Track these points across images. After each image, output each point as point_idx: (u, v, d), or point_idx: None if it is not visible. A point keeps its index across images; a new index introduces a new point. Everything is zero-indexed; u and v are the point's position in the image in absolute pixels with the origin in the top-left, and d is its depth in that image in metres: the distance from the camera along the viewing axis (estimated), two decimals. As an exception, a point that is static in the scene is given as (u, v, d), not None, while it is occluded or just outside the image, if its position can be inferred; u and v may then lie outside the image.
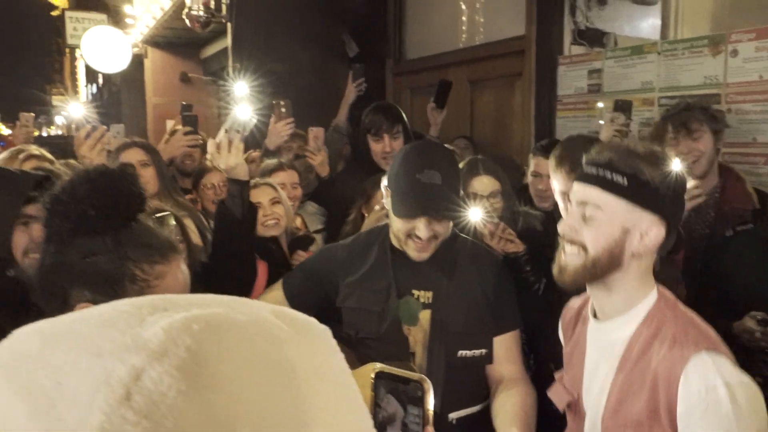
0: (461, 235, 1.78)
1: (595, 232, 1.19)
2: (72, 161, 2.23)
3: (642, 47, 3.12)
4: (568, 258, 1.23)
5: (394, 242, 1.71)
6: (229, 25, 4.72)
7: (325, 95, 3.75)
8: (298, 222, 2.83)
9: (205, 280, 1.76)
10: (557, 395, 1.38)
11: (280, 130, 2.92)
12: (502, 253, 1.94)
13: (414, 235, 1.61)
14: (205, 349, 0.34)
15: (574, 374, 1.35)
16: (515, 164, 3.68)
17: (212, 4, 4.54)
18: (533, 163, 2.52)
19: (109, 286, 1.01)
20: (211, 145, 1.82)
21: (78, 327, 0.36)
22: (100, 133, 1.94)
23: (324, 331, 0.42)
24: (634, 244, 1.18)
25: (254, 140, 2.97)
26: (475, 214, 1.88)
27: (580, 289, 1.33)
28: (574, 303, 1.46)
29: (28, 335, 0.37)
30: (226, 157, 1.80)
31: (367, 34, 4.79)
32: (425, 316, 1.66)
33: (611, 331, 1.25)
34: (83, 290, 1.01)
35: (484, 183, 2.23)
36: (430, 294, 1.66)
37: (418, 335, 1.65)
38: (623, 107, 2.59)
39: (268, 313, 0.40)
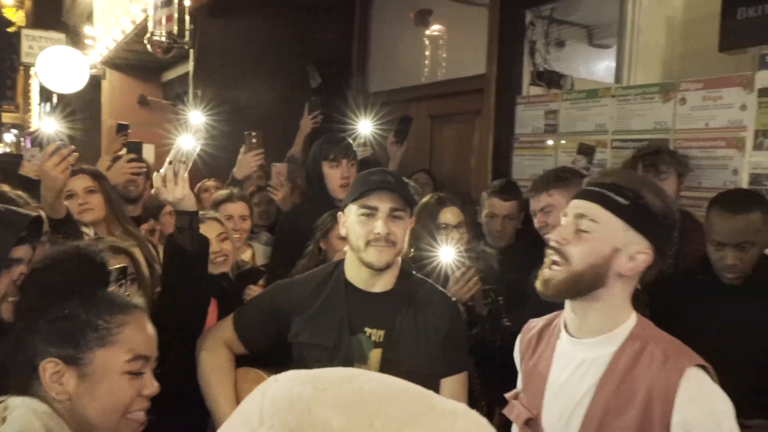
0: (416, 275, 1.79)
1: (585, 247, 1.22)
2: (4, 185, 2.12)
3: (597, 91, 3.23)
4: (553, 270, 1.25)
5: (349, 276, 1.71)
6: (191, 51, 4.69)
7: (288, 126, 3.74)
8: (248, 254, 2.79)
9: (157, 318, 1.71)
10: (515, 412, 1.37)
11: (250, 160, 2.92)
12: (460, 300, 1.96)
13: (373, 237, 1.62)
14: None
15: (533, 391, 1.35)
16: (472, 200, 3.73)
17: (175, 30, 4.50)
18: (488, 203, 2.56)
19: (72, 339, 1.07)
20: (156, 179, 1.78)
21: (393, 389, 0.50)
22: (67, 151, 1.89)
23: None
24: (620, 264, 1.21)
25: (198, 170, 2.93)
26: (447, 254, 1.90)
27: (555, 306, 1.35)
28: (535, 323, 1.46)
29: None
30: (172, 189, 1.76)
31: (331, 66, 4.83)
32: (376, 354, 1.64)
33: (591, 349, 1.25)
34: (48, 348, 1.06)
35: (452, 214, 2.28)
36: (382, 333, 1.65)
37: None
38: (586, 151, 2.68)
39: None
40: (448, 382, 1.67)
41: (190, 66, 4.80)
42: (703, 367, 1.17)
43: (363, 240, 1.64)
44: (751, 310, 1.89)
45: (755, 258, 1.91)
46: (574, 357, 1.28)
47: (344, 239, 1.84)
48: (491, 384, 2.09)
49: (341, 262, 1.76)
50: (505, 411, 1.41)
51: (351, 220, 1.68)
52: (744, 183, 2.58)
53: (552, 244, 1.26)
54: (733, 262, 1.91)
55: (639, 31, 4.24)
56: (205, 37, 4.56)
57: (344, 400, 0.45)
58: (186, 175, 1.79)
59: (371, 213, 1.63)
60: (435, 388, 1.65)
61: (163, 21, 4.46)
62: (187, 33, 4.64)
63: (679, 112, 2.80)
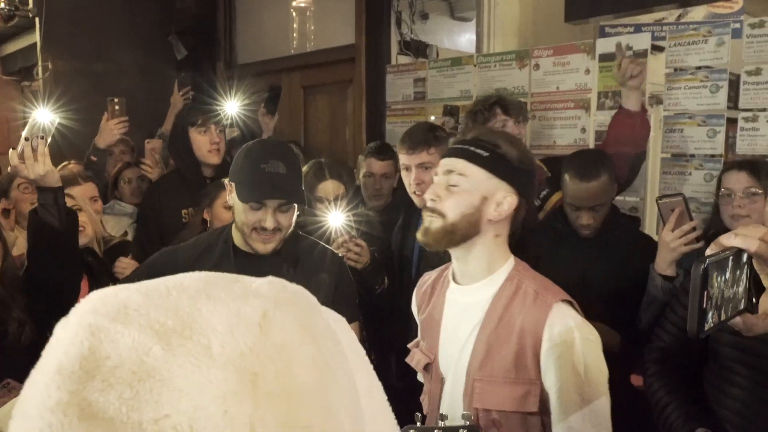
0: (303, 234, 1.83)
1: (456, 199, 1.32)
2: None
3: (461, 59, 3.41)
4: (431, 222, 1.36)
5: (236, 240, 1.71)
6: (37, 19, 4.30)
7: (152, 98, 3.58)
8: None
9: (29, 293, 1.62)
10: (415, 359, 1.48)
11: (113, 128, 2.78)
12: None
13: (259, 228, 1.63)
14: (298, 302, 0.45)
15: (430, 339, 1.46)
16: (349, 168, 3.80)
17: (16, -4, 4.10)
18: (366, 164, 2.64)
19: None
20: (12, 157, 1.66)
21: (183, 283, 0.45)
22: None
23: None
24: (490, 211, 1.33)
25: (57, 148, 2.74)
26: (336, 219, 1.94)
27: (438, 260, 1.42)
28: (428, 276, 1.57)
29: (125, 293, 0.41)
30: (32, 166, 1.66)
31: (196, 37, 4.64)
32: None
33: (474, 293, 1.37)
34: None
35: (329, 187, 2.30)
36: None
37: None
38: (452, 112, 2.82)
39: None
40: None
41: (37, 36, 4.40)
42: (569, 301, 1.32)
43: (248, 227, 1.64)
44: (603, 258, 2.14)
45: (605, 213, 2.16)
46: (461, 302, 1.40)
47: (229, 208, 1.84)
48: (379, 332, 2.21)
49: (228, 226, 1.76)
50: (407, 359, 1.51)
51: (237, 202, 1.65)
52: (591, 140, 2.87)
53: (428, 203, 1.36)
54: (587, 222, 2.14)
55: (496, 4, 4.51)
56: (54, 4, 4.20)
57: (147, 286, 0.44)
58: (46, 149, 1.69)
59: (258, 207, 1.62)
60: None
61: (1, -14, 4.05)
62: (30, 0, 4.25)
63: (533, 77, 3.04)
